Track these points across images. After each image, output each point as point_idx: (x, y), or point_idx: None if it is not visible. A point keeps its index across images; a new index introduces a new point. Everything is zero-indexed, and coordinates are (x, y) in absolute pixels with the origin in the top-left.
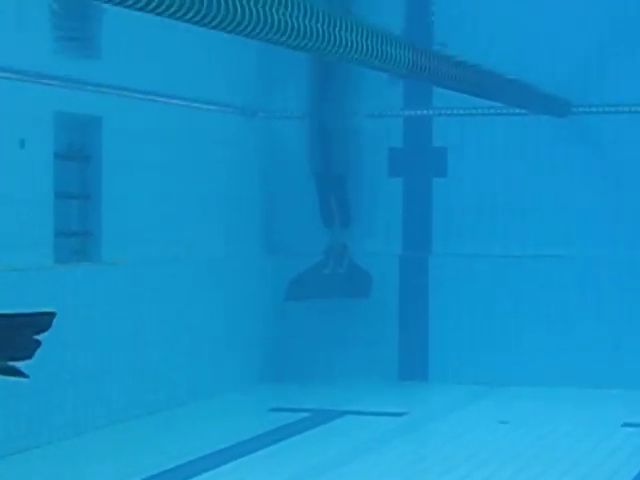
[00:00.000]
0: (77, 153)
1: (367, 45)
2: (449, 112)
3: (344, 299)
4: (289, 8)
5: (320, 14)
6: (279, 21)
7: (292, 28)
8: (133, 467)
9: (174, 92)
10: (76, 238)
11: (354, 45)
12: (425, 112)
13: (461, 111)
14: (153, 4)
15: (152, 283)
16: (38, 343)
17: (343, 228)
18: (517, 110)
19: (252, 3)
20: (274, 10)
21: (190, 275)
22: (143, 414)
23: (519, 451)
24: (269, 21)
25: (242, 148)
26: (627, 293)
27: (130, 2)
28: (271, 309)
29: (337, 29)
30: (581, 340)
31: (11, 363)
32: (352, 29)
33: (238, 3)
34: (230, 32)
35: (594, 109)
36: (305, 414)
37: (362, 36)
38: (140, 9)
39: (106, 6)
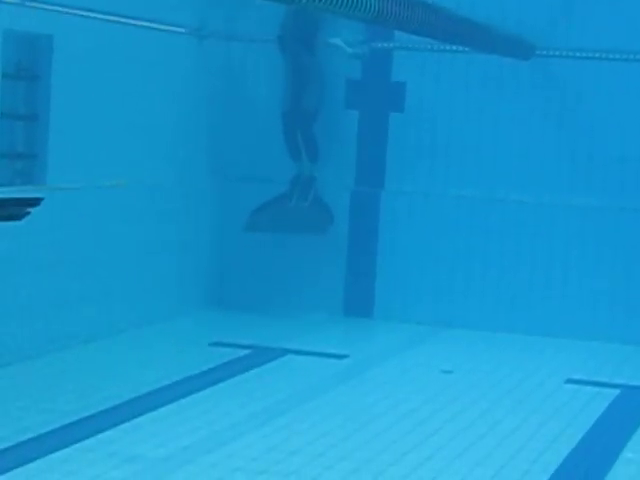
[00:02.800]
0: (25, 72)
1: None
2: (410, 46)
3: (302, 235)
4: None
5: None
6: None
7: None
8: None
9: (127, 12)
10: (21, 160)
11: None
12: (385, 45)
13: (422, 46)
14: None
15: (97, 208)
16: (28, 212)
17: (312, 162)
18: None
19: None
20: None
21: (136, 200)
22: (78, 343)
23: (461, 407)
24: None
25: (195, 71)
26: (578, 240)
27: None
28: (218, 237)
29: None
30: (529, 287)
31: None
32: None
33: None
34: None
35: (558, 53)
36: (245, 351)
37: None
38: None
39: None
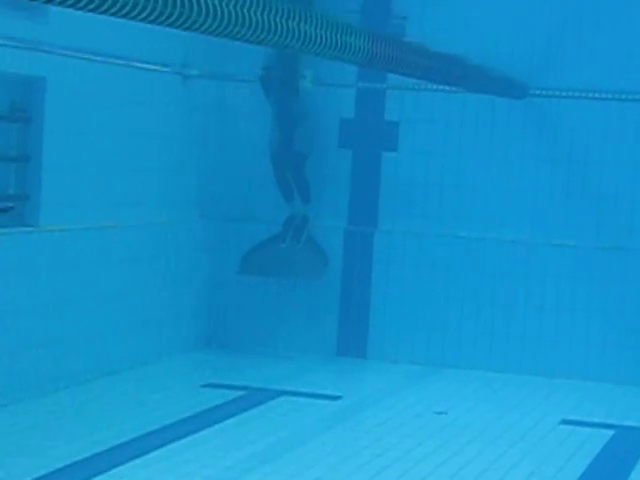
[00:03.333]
0: (18, 114)
1: (326, 37)
2: (403, 86)
3: (296, 280)
4: (247, 2)
5: (277, 7)
6: (236, 15)
7: (250, 22)
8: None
9: (115, 51)
10: (12, 202)
11: (312, 37)
12: (379, 85)
13: (415, 85)
14: None
15: (88, 249)
16: None
17: (304, 203)
18: None
19: None
20: (231, 6)
21: (127, 241)
22: (66, 386)
23: (455, 449)
24: (225, 15)
25: (184, 111)
26: (571, 282)
27: None
28: (210, 277)
29: (295, 22)
30: (522, 327)
31: None
32: (311, 21)
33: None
34: (183, 28)
35: (551, 92)
36: (238, 393)
37: (321, 28)
38: None
39: None
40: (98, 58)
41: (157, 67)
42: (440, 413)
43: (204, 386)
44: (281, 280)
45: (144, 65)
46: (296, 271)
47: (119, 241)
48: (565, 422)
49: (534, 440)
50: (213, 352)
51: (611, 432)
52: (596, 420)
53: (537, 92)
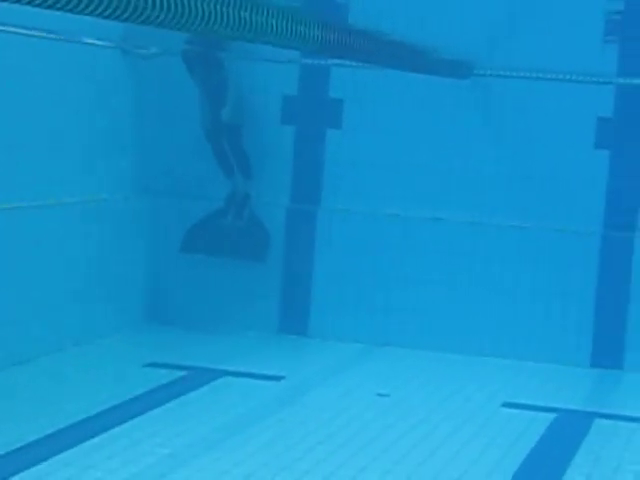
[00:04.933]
0: None
1: (277, 26)
2: (348, 63)
3: (239, 260)
4: None
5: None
6: (188, 7)
7: (202, 14)
8: None
9: (51, 27)
10: None
11: (265, 27)
12: (323, 61)
13: (360, 63)
14: None
15: (26, 229)
16: None
17: (245, 179)
18: None
19: None
20: None
21: (66, 219)
22: (13, 364)
23: (398, 434)
24: (176, 8)
25: (120, 86)
26: (514, 261)
27: None
28: (152, 254)
29: (246, 12)
30: (465, 306)
31: None
32: (261, 11)
33: None
34: (135, 21)
35: (496, 72)
36: (181, 372)
37: (272, 17)
38: None
39: None
40: (35, 33)
41: (97, 41)
42: (382, 396)
43: (146, 365)
44: (224, 260)
45: (83, 38)
46: (239, 252)
47: (59, 219)
48: (507, 405)
49: (476, 424)
50: (155, 330)
51: (553, 415)
52: (538, 403)
53: (483, 72)
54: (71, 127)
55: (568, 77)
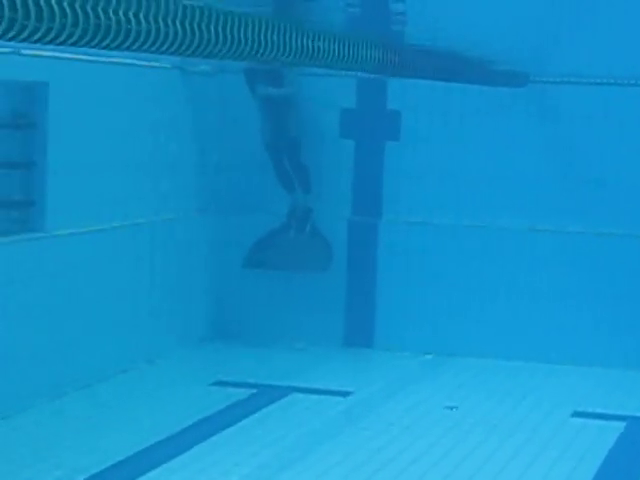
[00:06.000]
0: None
1: (338, 50)
2: None
3: (303, 272)
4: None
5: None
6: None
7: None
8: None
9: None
10: (18, 208)
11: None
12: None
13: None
14: None
15: (95, 252)
16: None
17: (305, 193)
18: None
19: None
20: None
21: (133, 241)
22: (85, 385)
23: (468, 449)
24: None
25: (181, 106)
26: (577, 268)
27: None
28: (216, 271)
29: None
30: (529, 313)
31: None
32: (322, 38)
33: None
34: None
35: (552, 79)
36: (248, 391)
37: (332, 42)
38: None
39: None
40: (97, 58)
41: (156, 63)
42: (451, 408)
43: (213, 384)
44: (287, 273)
45: (143, 62)
46: (302, 264)
47: (126, 240)
48: (576, 414)
49: (546, 436)
50: (220, 346)
51: (623, 424)
52: (607, 411)
53: (538, 79)
54: (136, 149)
55: (624, 82)
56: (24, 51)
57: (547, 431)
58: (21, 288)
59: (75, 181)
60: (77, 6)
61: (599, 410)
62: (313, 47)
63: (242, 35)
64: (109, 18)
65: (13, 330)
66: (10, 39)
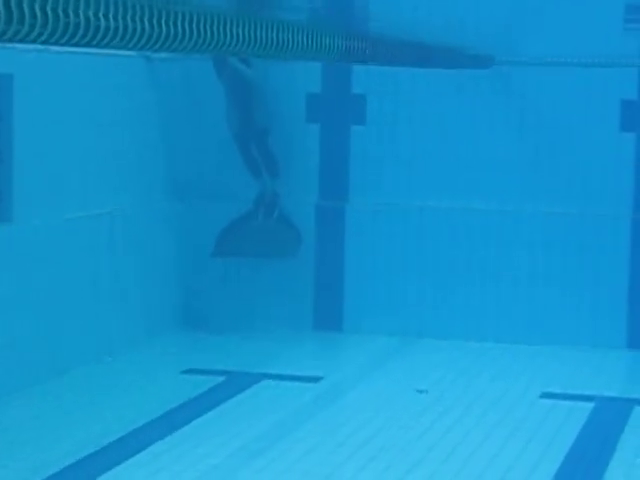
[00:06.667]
0: None
1: (303, 41)
2: None
3: (271, 259)
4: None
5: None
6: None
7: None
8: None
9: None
10: None
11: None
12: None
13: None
14: None
15: (61, 241)
16: None
17: (273, 178)
18: None
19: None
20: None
21: (102, 229)
22: (55, 375)
23: (440, 432)
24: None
25: (146, 94)
26: (544, 248)
27: None
28: (184, 258)
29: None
30: (497, 295)
31: None
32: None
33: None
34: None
35: (517, 60)
36: (219, 378)
37: (297, 33)
38: None
39: None
40: (61, 49)
41: (119, 51)
42: (421, 391)
43: (185, 372)
44: (257, 260)
45: (107, 51)
46: (271, 250)
47: (93, 230)
48: (545, 395)
49: (517, 418)
50: (190, 334)
51: (591, 405)
52: (576, 392)
53: (503, 60)
54: (100, 137)
55: (590, 61)
56: None
57: (517, 413)
58: None
59: (42, 171)
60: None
61: (567, 391)
62: (277, 39)
63: (207, 29)
64: (77, 16)
65: None
66: None
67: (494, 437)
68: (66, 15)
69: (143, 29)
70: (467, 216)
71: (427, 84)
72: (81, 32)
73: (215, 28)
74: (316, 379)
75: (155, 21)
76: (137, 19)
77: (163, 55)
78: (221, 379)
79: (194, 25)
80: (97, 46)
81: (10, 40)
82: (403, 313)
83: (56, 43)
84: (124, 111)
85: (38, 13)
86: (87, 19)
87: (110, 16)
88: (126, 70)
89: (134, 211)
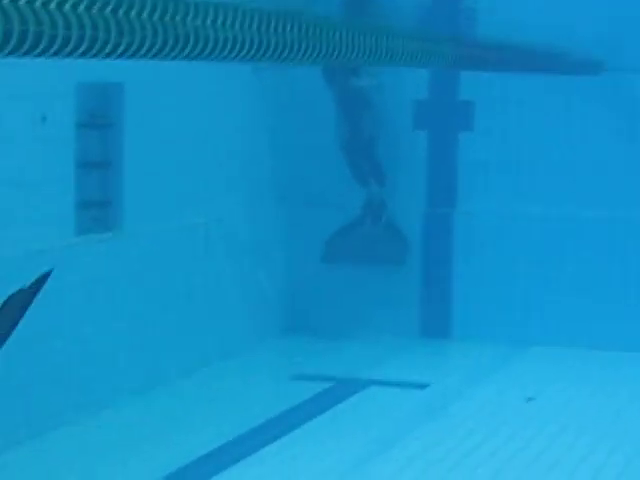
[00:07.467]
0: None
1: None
2: None
3: (380, 266)
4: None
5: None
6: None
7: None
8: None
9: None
10: (96, 208)
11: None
12: None
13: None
14: None
15: (171, 249)
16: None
17: (380, 186)
18: None
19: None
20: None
21: (211, 236)
22: (164, 383)
23: (546, 442)
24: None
25: (255, 102)
26: None
27: None
28: (291, 263)
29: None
30: (607, 303)
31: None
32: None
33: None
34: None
35: (627, 67)
36: (327, 384)
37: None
38: None
39: None
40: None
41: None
42: (529, 400)
43: (293, 378)
44: (365, 266)
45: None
46: (379, 257)
47: (202, 236)
48: None
49: (625, 431)
50: (298, 340)
51: None
52: None
53: (612, 67)
54: (211, 147)
55: None
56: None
57: (625, 426)
58: (102, 287)
59: (151, 180)
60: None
61: None
62: (387, 46)
63: (316, 39)
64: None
65: (96, 328)
66: (93, 56)
67: (599, 450)
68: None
69: (252, 39)
70: (575, 224)
71: (536, 91)
72: (191, 44)
73: (325, 36)
74: (423, 386)
75: (264, 30)
76: (246, 28)
77: (271, 65)
78: (329, 385)
79: (303, 33)
80: (207, 58)
81: (123, 54)
82: (511, 321)
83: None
84: (233, 120)
85: (147, 25)
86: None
87: (219, 25)
88: (235, 79)
89: (244, 218)
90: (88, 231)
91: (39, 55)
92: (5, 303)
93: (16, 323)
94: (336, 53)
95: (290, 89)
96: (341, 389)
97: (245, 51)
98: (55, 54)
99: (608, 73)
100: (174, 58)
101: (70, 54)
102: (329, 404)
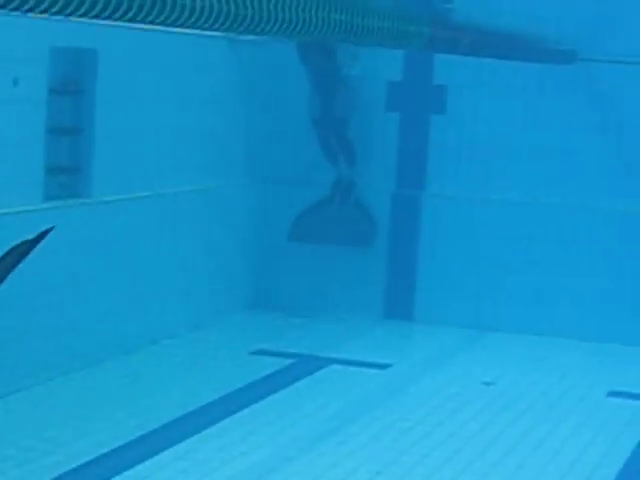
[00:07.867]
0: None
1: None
2: None
3: (345, 246)
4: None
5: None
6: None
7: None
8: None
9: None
10: (65, 174)
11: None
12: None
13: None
14: None
15: (138, 218)
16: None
17: (350, 166)
18: None
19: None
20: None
21: (180, 208)
22: (124, 352)
23: (503, 426)
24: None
25: (229, 75)
26: (618, 246)
27: None
28: (258, 240)
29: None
30: (571, 291)
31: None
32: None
33: None
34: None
35: (600, 57)
36: (288, 360)
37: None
38: None
39: None
40: (146, 26)
41: (204, 31)
42: (488, 384)
43: (253, 353)
44: (330, 246)
45: (191, 30)
46: (346, 238)
47: (170, 208)
48: (612, 394)
49: (582, 415)
50: (262, 316)
51: None
52: None
53: (586, 57)
54: (183, 117)
55: None
56: (74, 18)
57: (582, 411)
58: (68, 254)
59: (122, 148)
60: None
61: (635, 390)
62: (361, 25)
63: (292, 14)
64: None
65: (55, 296)
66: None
67: (557, 434)
68: None
69: (228, 10)
70: (544, 211)
71: (509, 77)
72: (167, 10)
73: (301, 12)
74: (384, 367)
75: (240, 2)
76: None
77: (247, 37)
78: (289, 361)
79: (279, 8)
80: (182, 26)
81: (97, 16)
82: (475, 305)
83: (142, 21)
84: (206, 91)
85: None
86: None
87: None
88: (210, 50)
89: (212, 192)
90: (56, 197)
91: (14, 10)
92: (9, 252)
93: (13, 268)
94: (311, 29)
95: (266, 63)
96: (303, 366)
97: (220, 22)
98: (30, 10)
99: (582, 62)
100: (151, 23)
101: (45, 12)
102: (290, 380)
